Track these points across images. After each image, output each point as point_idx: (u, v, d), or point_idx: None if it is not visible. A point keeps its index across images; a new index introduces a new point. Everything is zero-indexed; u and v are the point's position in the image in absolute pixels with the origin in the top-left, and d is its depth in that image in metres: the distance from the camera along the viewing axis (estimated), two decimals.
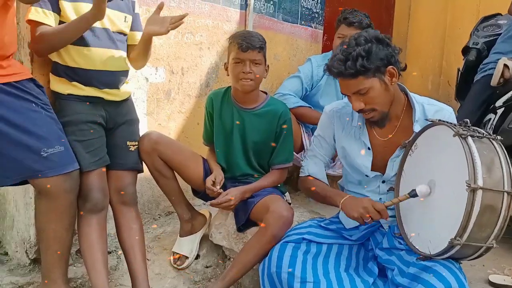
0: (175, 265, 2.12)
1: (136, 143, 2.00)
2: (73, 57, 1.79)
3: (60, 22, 1.78)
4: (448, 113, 1.74)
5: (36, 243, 1.93)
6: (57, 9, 1.76)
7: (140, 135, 2.04)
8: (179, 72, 2.52)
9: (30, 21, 1.75)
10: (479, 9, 4.12)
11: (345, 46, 1.60)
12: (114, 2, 1.86)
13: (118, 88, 1.93)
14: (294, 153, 2.86)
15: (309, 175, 1.88)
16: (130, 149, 1.97)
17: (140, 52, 1.94)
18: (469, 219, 1.38)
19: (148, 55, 1.96)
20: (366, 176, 1.80)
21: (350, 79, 1.59)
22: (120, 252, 2.02)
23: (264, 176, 2.11)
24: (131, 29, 1.99)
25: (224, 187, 2.08)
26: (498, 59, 2.50)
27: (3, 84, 1.57)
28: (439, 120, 1.59)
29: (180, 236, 2.17)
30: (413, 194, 1.56)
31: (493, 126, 2.46)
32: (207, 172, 2.09)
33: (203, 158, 2.16)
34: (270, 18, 2.99)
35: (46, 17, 1.73)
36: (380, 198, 1.82)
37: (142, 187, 2.40)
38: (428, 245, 1.55)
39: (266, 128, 2.07)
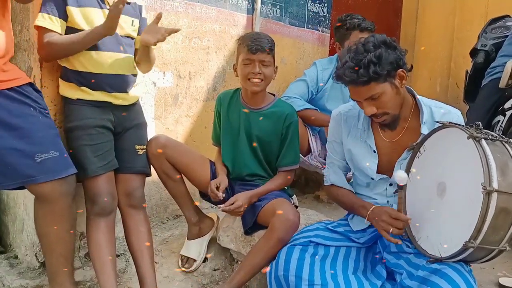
0: (183, 268, 2.13)
1: (144, 147, 2.02)
2: (81, 61, 1.82)
3: (68, 28, 1.80)
4: (455, 115, 1.73)
5: None
6: (64, 15, 1.78)
7: (148, 139, 2.06)
8: (186, 77, 2.54)
9: (37, 27, 1.77)
10: (488, 11, 4.09)
11: (353, 53, 1.59)
12: None
13: (127, 92, 1.95)
14: (301, 155, 2.88)
15: (332, 184, 1.89)
16: (138, 153, 1.99)
17: (141, 58, 1.96)
18: (484, 222, 1.37)
19: (150, 60, 1.98)
20: (372, 179, 1.79)
21: (362, 86, 1.58)
22: (128, 255, 2.03)
23: (271, 180, 2.11)
24: (139, 33, 2.01)
25: (232, 189, 2.10)
26: (505, 62, 2.49)
27: (7, 89, 1.59)
28: (450, 122, 1.58)
29: (188, 239, 2.18)
30: (399, 187, 1.59)
31: (502, 128, 2.44)
32: (214, 175, 2.11)
33: (210, 161, 2.17)
34: (277, 22, 3.00)
35: (53, 24, 1.75)
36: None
37: (150, 191, 2.42)
38: (439, 247, 1.53)
39: (272, 128, 2.09)
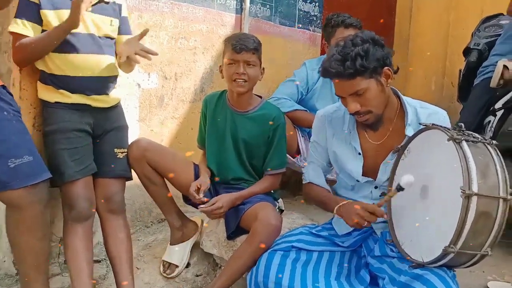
0: (164, 274, 2.08)
1: (125, 150, 1.98)
2: (58, 65, 1.78)
3: (44, 31, 1.76)
4: (442, 116, 1.70)
5: None
6: (37, 19, 1.75)
7: (130, 142, 2.02)
8: (172, 78, 2.50)
9: (11, 33, 1.74)
10: (483, 9, 4.04)
11: (341, 47, 1.57)
12: (99, 6, 1.85)
13: (107, 94, 1.91)
14: (290, 157, 2.83)
15: (309, 182, 1.86)
16: (118, 156, 1.95)
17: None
18: (463, 226, 1.34)
19: (131, 63, 1.93)
20: (357, 181, 1.76)
21: (347, 79, 1.55)
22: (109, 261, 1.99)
23: (257, 183, 2.07)
24: (119, 33, 1.97)
25: (216, 192, 2.06)
26: (497, 61, 2.45)
27: None
28: (433, 124, 1.55)
29: (171, 244, 2.14)
30: (399, 188, 1.51)
31: (493, 129, 2.40)
32: (198, 178, 2.06)
33: (194, 164, 2.13)
34: (266, 22, 2.96)
35: (25, 29, 1.72)
36: (374, 203, 1.78)
37: (134, 194, 2.38)
38: (421, 252, 1.50)
39: (258, 132, 2.04)
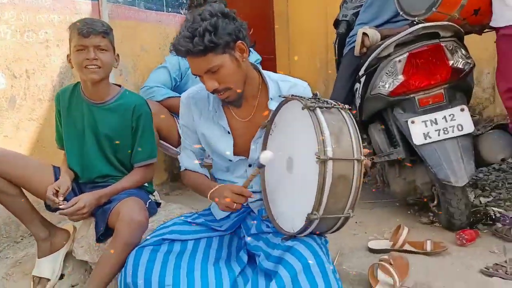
0: None
1: None
2: None
3: None
4: (302, 88, 1.70)
5: None
6: None
7: None
8: (23, 75, 2.25)
9: None
10: None
11: (190, 23, 1.49)
12: None
13: None
14: (173, 147, 2.73)
15: (185, 169, 1.78)
16: None
17: None
18: (323, 192, 1.33)
19: None
20: (230, 160, 1.71)
21: (199, 56, 1.48)
22: None
23: (125, 177, 1.94)
24: None
25: (81, 194, 1.88)
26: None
27: None
28: (292, 95, 1.54)
29: (38, 257, 1.93)
30: (259, 165, 1.49)
31: (359, 95, 2.48)
32: None
33: (54, 167, 1.93)
34: (129, 7, 2.79)
35: None
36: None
37: None
38: (292, 223, 1.49)
39: (120, 123, 1.90)
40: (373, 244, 2.16)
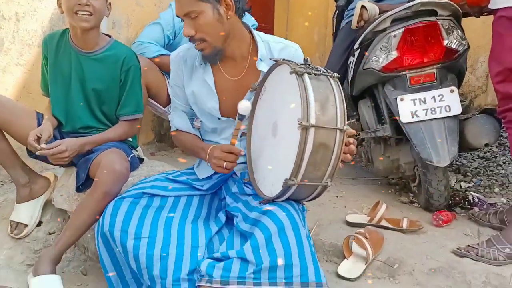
0: (12, 235, 1.89)
1: None
2: None
3: None
4: (293, 49, 1.69)
5: None
6: None
7: None
8: (12, 18, 2.19)
9: None
10: None
11: None
12: None
13: None
14: (161, 106, 2.70)
15: (177, 129, 1.78)
16: None
17: None
18: (302, 158, 1.33)
19: None
20: (218, 119, 1.70)
21: None
22: None
23: (111, 128, 1.92)
24: None
25: None
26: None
27: None
28: (283, 59, 1.52)
29: (17, 202, 1.93)
30: (240, 116, 1.50)
31: (352, 69, 2.47)
32: None
33: (38, 113, 1.91)
34: None
35: None
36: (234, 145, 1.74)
37: None
38: (271, 188, 1.50)
39: (108, 75, 1.87)
40: (350, 218, 2.19)
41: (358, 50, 2.38)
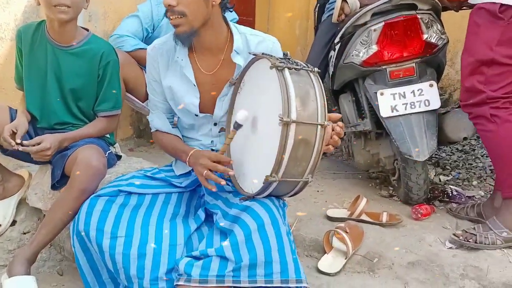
0: None
1: None
2: None
3: None
4: (271, 43, 1.66)
5: None
6: None
7: None
8: None
9: None
10: None
11: None
12: None
13: None
14: (139, 101, 2.65)
15: (156, 130, 1.73)
16: None
17: None
18: (283, 154, 1.32)
19: None
20: (196, 115, 1.67)
21: None
22: None
23: (89, 124, 1.88)
24: None
25: None
26: None
27: None
28: (263, 53, 1.51)
29: None
30: (236, 126, 1.46)
31: (333, 63, 2.46)
32: None
33: (10, 108, 1.85)
34: None
35: None
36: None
37: None
38: (251, 184, 1.49)
39: (86, 70, 1.82)
40: (331, 212, 2.19)
41: (339, 44, 2.37)
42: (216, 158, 1.51)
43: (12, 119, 1.80)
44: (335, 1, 2.58)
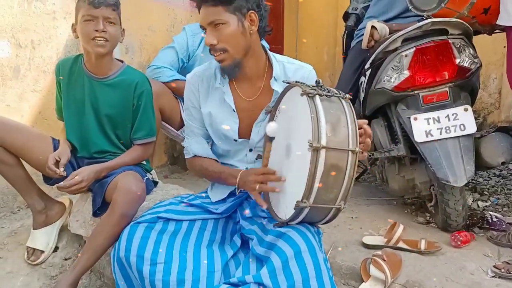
0: (29, 261, 1.89)
1: None
2: None
3: None
4: (307, 70, 1.70)
5: None
6: None
7: None
8: (28, 46, 2.24)
9: None
10: None
11: None
12: None
13: None
14: (174, 129, 2.72)
15: (194, 156, 1.76)
16: None
17: None
18: (313, 180, 1.31)
19: None
20: (235, 140, 1.70)
21: (211, 6, 1.53)
22: None
23: (125, 153, 1.93)
24: None
25: (79, 167, 1.88)
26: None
27: None
28: (296, 81, 1.53)
29: (34, 228, 1.93)
30: (270, 139, 1.49)
31: (364, 89, 2.47)
32: None
33: (53, 139, 1.93)
34: None
35: None
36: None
37: None
38: (285, 210, 1.49)
39: (121, 100, 1.89)
40: (367, 240, 2.16)
41: (370, 70, 2.38)
42: (262, 171, 1.54)
43: (55, 149, 1.88)
44: (364, 28, 2.62)
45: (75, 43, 2.43)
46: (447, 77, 2.17)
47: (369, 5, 2.97)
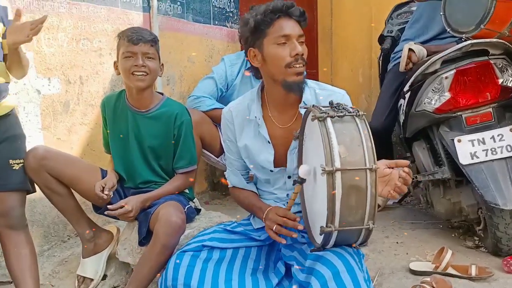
0: None
1: (21, 160, 1.83)
2: None
3: None
4: (340, 95, 1.68)
5: None
6: None
7: None
8: (77, 81, 2.36)
9: None
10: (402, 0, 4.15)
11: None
12: None
13: None
14: (214, 157, 2.78)
15: (233, 186, 1.81)
16: (13, 168, 1.80)
17: (12, 63, 1.77)
18: (334, 203, 1.30)
19: (22, 64, 1.78)
20: (271, 171, 1.71)
21: (298, 21, 1.60)
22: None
23: (168, 182, 1.99)
24: (4, 37, 1.82)
25: (125, 197, 1.95)
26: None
27: None
28: (313, 105, 1.52)
29: (83, 257, 2.00)
30: (300, 180, 1.49)
31: (404, 111, 2.45)
32: None
33: (102, 169, 2.01)
34: (178, 20, 2.88)
35: None
36: (287, 194, 1.75)
37: (45, 208, 2.23)
38: (317, 235, 1.47)
39: (163, 131, 1.96)
40: (414, 266, 2.10)
41: (409, 93, 2.36)
42: (283, 214, 1.55)
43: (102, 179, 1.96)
44: (400, 50, 2.61)
45: (119, 78, 2.54)
46: (489, 98, 2.12)
47: (404, 27, 2.97)
